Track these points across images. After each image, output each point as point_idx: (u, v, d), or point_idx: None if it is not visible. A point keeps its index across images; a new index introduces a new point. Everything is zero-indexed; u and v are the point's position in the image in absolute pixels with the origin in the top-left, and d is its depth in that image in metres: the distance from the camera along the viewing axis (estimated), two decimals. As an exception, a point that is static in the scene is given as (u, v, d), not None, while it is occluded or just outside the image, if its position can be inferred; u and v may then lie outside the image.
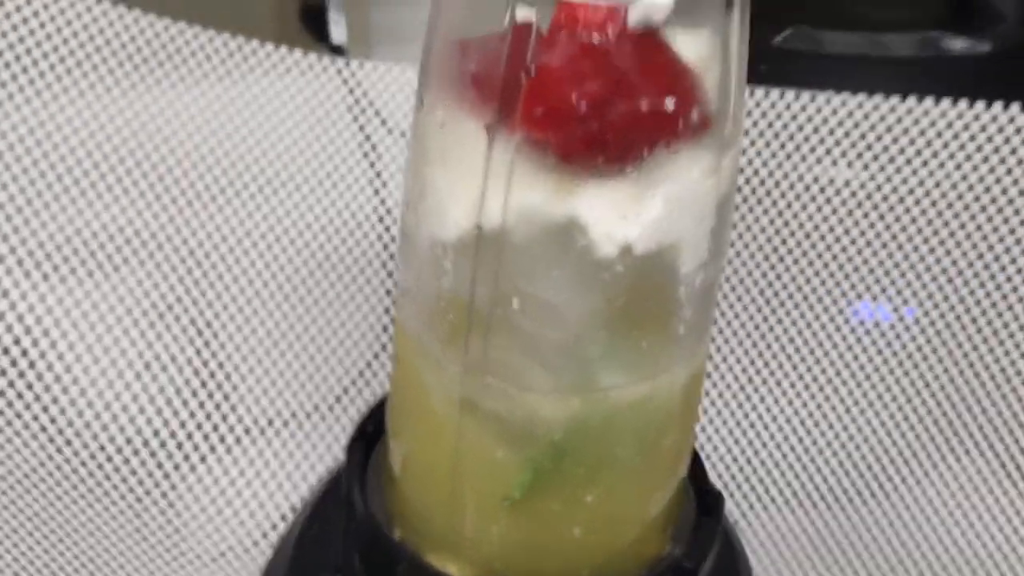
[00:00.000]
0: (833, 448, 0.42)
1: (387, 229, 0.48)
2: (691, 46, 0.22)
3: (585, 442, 0.25)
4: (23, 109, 0.41)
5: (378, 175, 0.49)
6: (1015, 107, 0.39)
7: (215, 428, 0.45)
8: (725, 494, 0.30)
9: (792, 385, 0.42)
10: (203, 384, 0.46)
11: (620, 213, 0.22)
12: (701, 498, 0.29)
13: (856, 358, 0.42)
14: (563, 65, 0.21)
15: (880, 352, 0.42)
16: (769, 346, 0.42)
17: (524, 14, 0.21)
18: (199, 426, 0.45)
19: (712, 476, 0.31)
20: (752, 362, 0.42)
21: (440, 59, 0.23)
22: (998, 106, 0.39)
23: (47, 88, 0.42)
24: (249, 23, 0.47)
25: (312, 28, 0.50)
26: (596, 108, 0.21)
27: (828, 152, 0.41)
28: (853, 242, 0.41)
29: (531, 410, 0.24)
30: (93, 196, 0.43)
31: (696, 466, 0.30)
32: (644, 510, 0.27)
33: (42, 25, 0.41)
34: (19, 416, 0.40)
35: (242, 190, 0.47)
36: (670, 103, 0.21)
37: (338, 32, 0.48)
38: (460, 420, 0.25)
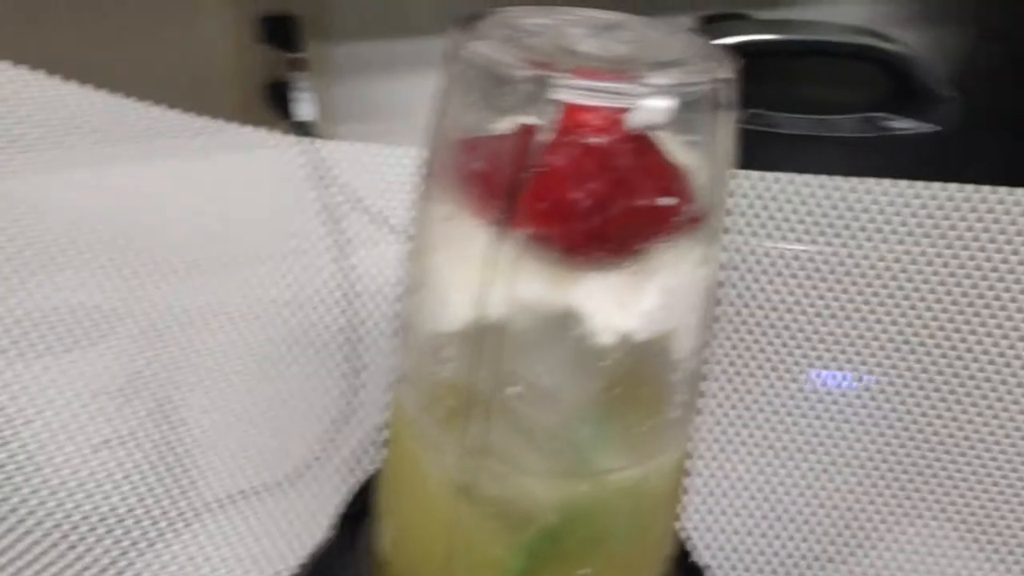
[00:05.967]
0: (801, 514, 0.43)
1: (350, 304, 0.49)
2: (684, 148, 0.23)
3: (580, 525, 0.25)
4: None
5: (342, 252, 0.49)
6: (953, 185, 0.41)
7: (175, 504, 0.44)
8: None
9: (759, 452, 0.43)
10: (163, 459, 0.45)
11: (619, 303, 0.23)
12: (684, 572, 0.30)
13: (824, 426, 0.43)
14: (566, 164, 0.22)
15: (845, 419, 0.43)
16: (737, 414, 0.43)
17: (528, 118, 0.22)
18: (159, 502, 0.44)
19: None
20: (722, 430, 0.43)
21: (447, 156, 0.23)
22: (937, 184, 0.42)
23: (14, 166, 0.41)
24: (212, 98, 0.47)
25: (276, 105, 0.51)
26: (598, 204, 0.22)
27: (784, 228, 0.43)
28: (819, 313, 0.42)
29: (527, 493, 0.25)
30: (54, 270, 0.43)
31: (676, 540, 0.30)
32: (634, 588, 0.27)
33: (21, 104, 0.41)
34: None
35: (206, 265, 0.46)
36: (666, 200, 0.22)
37: (304, 109, 0.48)
38: (456, 503, 0.25)
